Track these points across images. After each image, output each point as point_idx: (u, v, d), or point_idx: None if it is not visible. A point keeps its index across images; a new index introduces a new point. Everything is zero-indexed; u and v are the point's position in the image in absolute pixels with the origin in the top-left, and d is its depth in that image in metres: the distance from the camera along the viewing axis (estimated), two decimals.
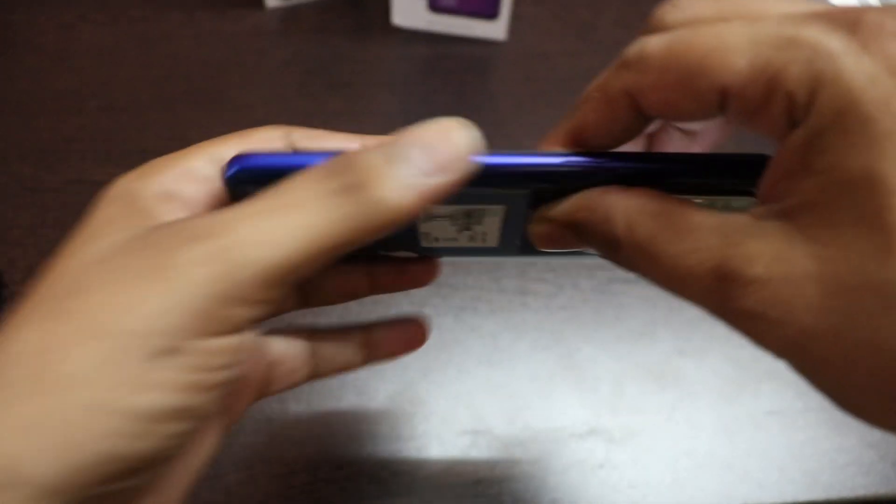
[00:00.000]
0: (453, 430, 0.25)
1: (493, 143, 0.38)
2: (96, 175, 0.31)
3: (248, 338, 0.11)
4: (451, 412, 0.26)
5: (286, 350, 0.17)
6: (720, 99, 0.11)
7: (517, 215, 0.14)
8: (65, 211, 0.30)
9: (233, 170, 0.12)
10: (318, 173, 0.11)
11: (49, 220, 0.30)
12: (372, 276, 0.17)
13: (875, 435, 0.26)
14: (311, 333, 0.18)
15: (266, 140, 0.14)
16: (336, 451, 0.24)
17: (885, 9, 0.10)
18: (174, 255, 0.10)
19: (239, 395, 0.16)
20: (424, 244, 0.16)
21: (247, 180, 0.12)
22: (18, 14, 0.36)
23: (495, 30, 0.36)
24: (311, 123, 0.37)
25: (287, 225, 0.10)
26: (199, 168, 0.13)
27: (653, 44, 0.12)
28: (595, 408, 0.26)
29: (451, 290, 0.29)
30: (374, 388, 0.26)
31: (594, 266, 0.30)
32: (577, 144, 0.14)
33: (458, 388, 0.26)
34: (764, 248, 0.10)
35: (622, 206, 0.12)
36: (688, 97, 0.11)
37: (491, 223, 0.15)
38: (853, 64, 0.10)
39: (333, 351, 0.17)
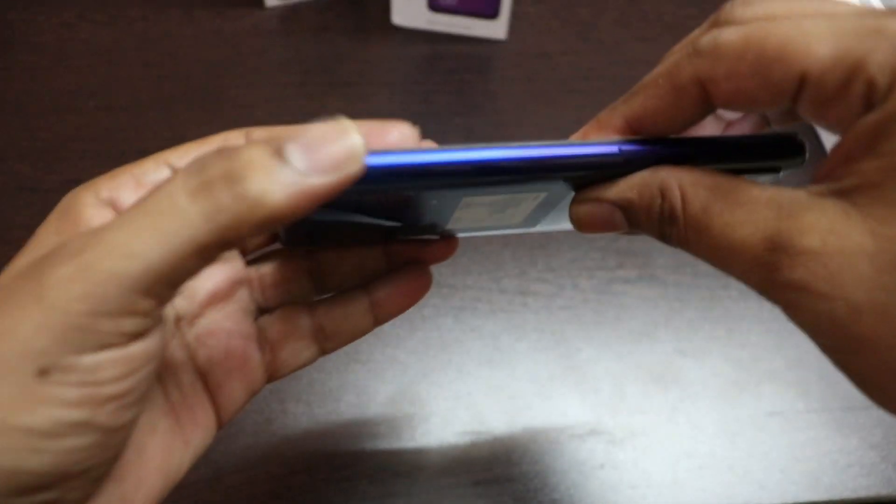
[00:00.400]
0: (453, 431, 0.25)
1: (494, 141, 0.37)
2: (95, 175, 0.31)
3: (137, 347, 0.11)
4: (451, 413, 0.25)
5: (287, 330, 0.16)
6: (797, 87, 0.11)
7: (555, 198, 0.15)
8: None
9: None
10: (183, 172, 0.11)
11: None
12: (389, 256, 0.17)
13: (877, 436, 0.26)
14: (312, 307, 0.17)
15: (223, 142, 0.14)
16: (336, 452, 0.24)
17: None
18: (47, 275, 0.10)
19: (222, 392, 0.16)
20: (450, 227, 0.16)
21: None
22: (17, 13, 0.36)
23: (495, 29, 0.36)
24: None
25: (145, 233, 0.10)
26: (145, 174, 0.13)
27: (728, 33, 0.12)
28: (595, 409, 0.26)
29: (451, 290, 0.28)
30: (374, 389, 0.26)
31: (594, 267, 0.29)
32: (634, 131, 0.14)
33: (458, 389, 0.26)
34: (820, 221, 0.11)
35: (677, 180, 0.13)
36: (764, 85, 0.11)
37: (526, 206, 0.15)
38: None
39: (339, 321, 0.17)
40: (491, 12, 0.35)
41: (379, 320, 0.17)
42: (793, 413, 0.26)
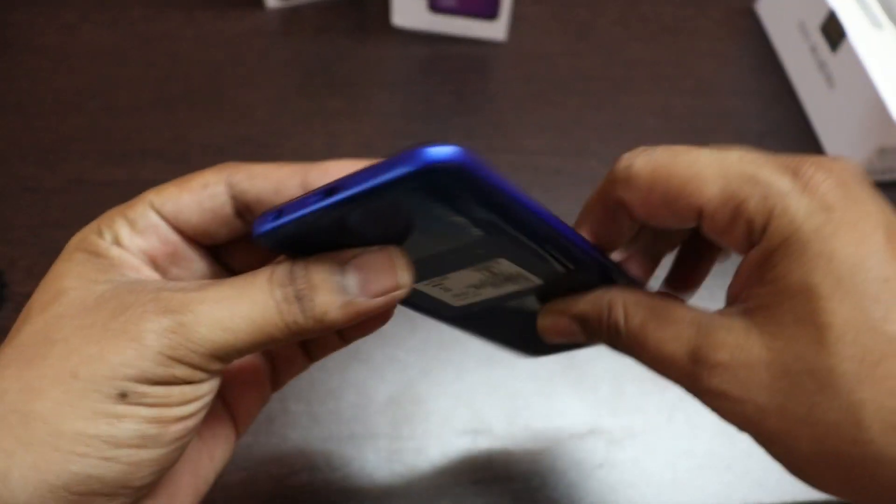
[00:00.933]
0: (453, 430, 0.25)
1: (494, 142, 0.38)
2: (97, 175, 0.31)
3: (204, 387, 0.14)
4: (450, 412, 0.26)
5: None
6: (696, 216, 0.14)
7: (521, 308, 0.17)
8: (66, 211, 0.30)
9: (257, 232, 0.13)
10: (274, 277, 0.14)
11: (50, 220, 0.30)
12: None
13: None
14: None
15: (202, 185, 0.15)
16: (336, 452, 0.24)
17: (817, 159, 0.13)
18: (142, 323, 0.13)
19: (239, 405, 0.17)
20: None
21: (271, 237, 0.13)
22: (18, 14, 0.36)
23: (495, 30, 0.36)
24: (313, 123, 0.37)
25: (236, 315, 0.13)
26: (137, 220, 0.15)
27: (639, 164, 0.15)
28: (595, 408, 0.26)
29: None
30: (374, 388, 0.26)
31: None
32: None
33: (458, 388, 0.26)
34: (728, 339, 0.14)
35: (622, 298, 0.16)
36: (670, 213, 0.14)
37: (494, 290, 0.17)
38: (796, 202, 0.13)
39: (321, 337, 0.18)
40: (490, 13, 0.36)
41: (345, 340, 0.18)
42: None
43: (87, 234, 0.14)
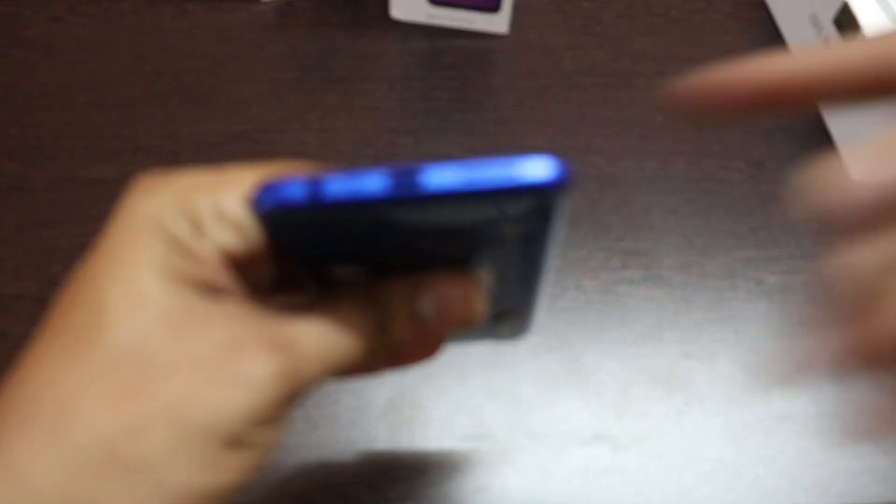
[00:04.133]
0: (454, 436, 0.25)
1: (496, 139, 0.37)
2: (86, 173, 0.30)
3: (289, 422, 0.13)
4: (451, 417, 0.25)
5: None
6: None
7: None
8: (53, 210, 0.29)
9: (269, 205, 0.11)
10: (358, 304, 0.13)
11: (37, 219, 0.29)
12: None
13: (890, 442, 0.25)
14: None
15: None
16: (334, 458, 0.24)
17: None
18: (258, 365, 0.12)
19: None
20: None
21: (277, 214, 0.11)
22: (4, 6, 0.35)
23: (497, 23, 0.35)
24: (309, 119, 0.36)
25: (336, 350, 0.12)
26: (229, 209, 0.12)
27: None
28: (600, 413, 0.25)
29: None
30: (374, 393, 0.25)
31: (598, 267, 0.29)
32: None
33: (459, 393, 0.26)
34: None
35: None
36: None
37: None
38: None
39: None
40: (492, 5, 0.35)
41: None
42: (803, 417, 0.26)
43: (164, 209, 0.12)
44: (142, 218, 0.12)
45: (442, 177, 0.10)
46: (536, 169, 0.09)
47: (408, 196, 0.10)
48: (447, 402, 0.25)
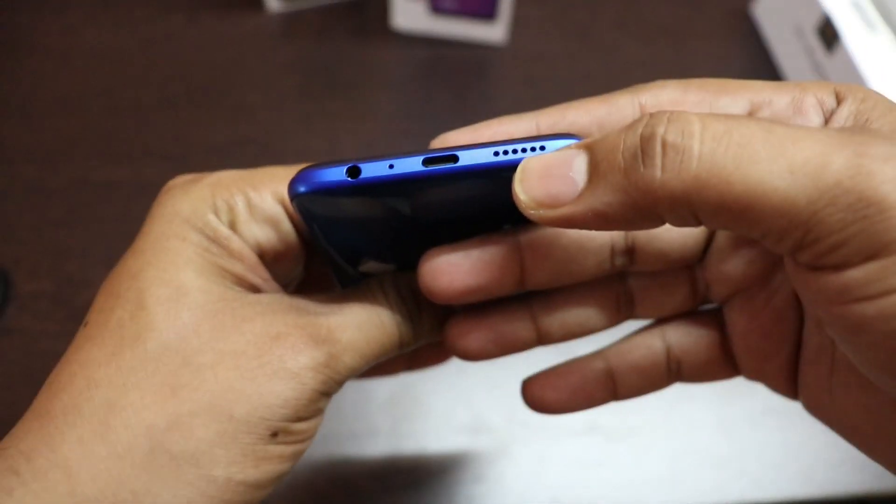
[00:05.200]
0: (452, 428, 0.25)
1: None
2: (99, 175, 0.31)
3: (324, 413, 0.13)
4: (450, 410, 0.26)
5: None
6: None
7: None
8: (68, 210, 0.30)
9: (301, 189, 0.11)
10: (391, 297, 0.13)
11: (53, 220, 0.30)
12: None
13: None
14: None
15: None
16: (336, 449, 0.25)
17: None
18: (299, 358, 0.12)
19: None
20: None
21: (314, 199, 0.11)
22: (23, 16, 0.36)
23: (495, 32, 0.37)
24: (312, 124, 0.37)
25: (371, 342, 0.13)
26: (261, 206, 0.13)
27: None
28: None
29: None
30: (375, 386, 0.26)
31: None
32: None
33: (458, 386, 0.26)
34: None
35: (681, 112, 0.12)
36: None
37: None
38: None
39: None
40: (490, 15, 0.36)
41: (410, 369, 0.18)
42: (788, 410, 0.26)
43: (199, 206, 0.12)
44: (178, 215, 0.12)
45: (474, 157, 0.10)
46: (564, 146, 0.10)
47: (443, 172, 0.10)
48: (446, 395, 0.26)
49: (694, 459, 0.25)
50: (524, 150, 0.10)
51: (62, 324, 0.27)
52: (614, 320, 0.15)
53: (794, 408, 0.26)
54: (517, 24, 0.38)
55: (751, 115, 0.12)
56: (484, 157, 0.10)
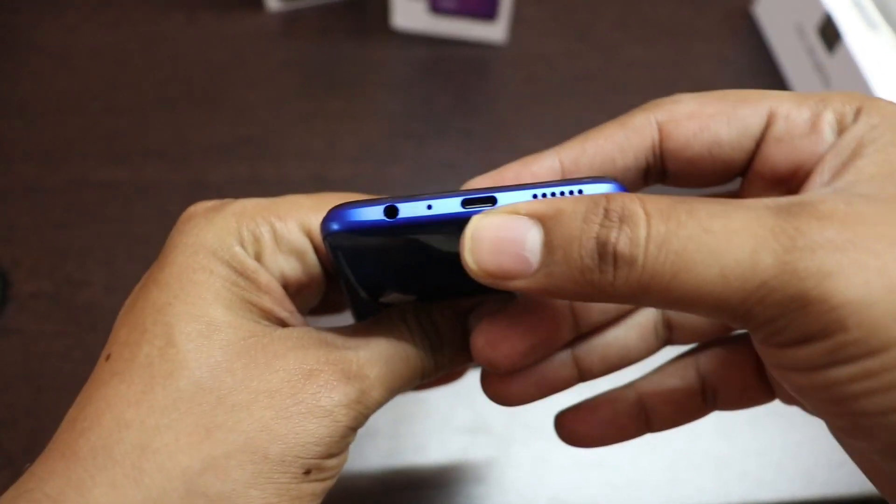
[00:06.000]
0: (453, 429, 0.25)
1: (492, 143, 0.38)
2: (99, 175, 0.31)
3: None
4: (450, 410, 0.26)
5: None
6: (764, 125, 0.12)
7: None
8: (68, 211, 0.30)
9: (336, 227, 0.11)
10: (415, 329, 0.13)
11: (52, 220, 0.30)
12: None
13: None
14: None
15: None
16: None
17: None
18: (332, 395, 0.12)
19: None
20: None
21: (347, 237, 0.11)
22: (22, 16, 0.36)
23: (495, 32, 0.37)
24: (312, 124, 0.37)
25: (398, 376, 0.13)
26: (287, 237, 0.13)
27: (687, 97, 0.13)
28: None
29: None
30: None
31: None
32: (567, 173, 0.15)
33: (458, 387, 0.26)
34: (836, 206, 0.10)
35: (631, 195, 0.13)
36: (729, 122, 0.12)
37: None
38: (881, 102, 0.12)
39: None
40: (490, 15, 0.36)
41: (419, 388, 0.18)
42: (789, 412, 0.26)
43: (225, 237, 0.12)
44: (204, 247, 0.12)
45: (513, 199, 0.10)
46: (603, 190, 0.10)
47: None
48: (446, 396, 0.26)
49: (694, 460, 0.25)
50: (562, 194, 0.11)
51: (61, 324, 0.27)
52: (653, 348, 0.15)
53: (796, 409, 0.26)
54: (517, 23, 0.38)
55: (768, 125, 0.12)
56: (523, 199, 0.10)
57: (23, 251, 0.29)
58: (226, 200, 0.13)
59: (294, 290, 0.13)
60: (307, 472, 0.12)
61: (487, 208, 0.10)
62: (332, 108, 0.34)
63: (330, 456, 0.12)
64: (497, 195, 0.10)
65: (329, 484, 0.12)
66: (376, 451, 0.25)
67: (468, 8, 0.36)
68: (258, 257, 0.13)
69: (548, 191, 0.11)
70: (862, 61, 0.31)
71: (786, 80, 0.37)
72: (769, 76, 0.37)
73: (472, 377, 0.27)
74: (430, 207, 0.10)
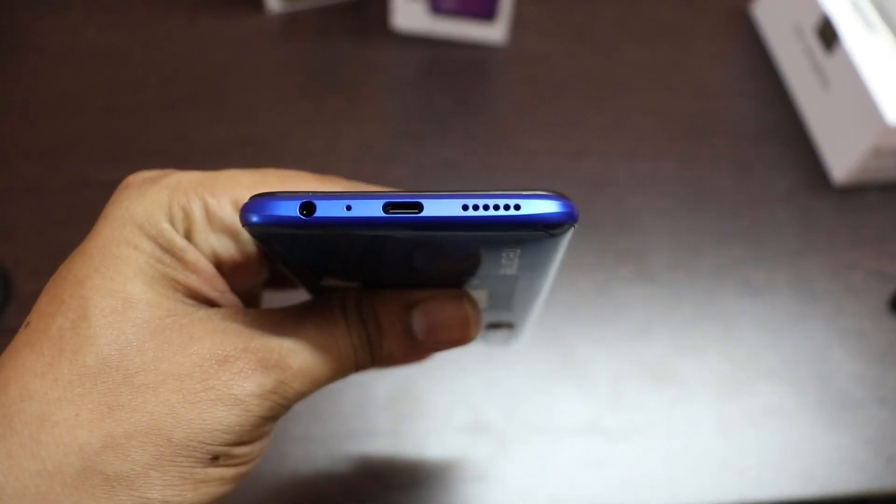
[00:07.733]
0: (452, 428, 0.25)
1: (492, 144, 0.38)
2: (99, 175, 0.31)
3: (270, 435, 0.13)
4: (449, 410, 0.26)
5: None
6: None
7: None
8: (69, 211, 0.30)
9: (253, 219, 0.10)
10: (350, 320, 0.13)
11: (54, 220, 0.30)
12: None
13: (869, 432, 0.26)
14: None
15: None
16: (336, 449, 0.25)
17: None
18: (244, 384, 0.11)
19: None
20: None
21: (266, 229, 0.10)
22: (23, 15, 0.36)
23: (495, 32, 0.37)
24: (313, 124, 0.37)
25: (324, 367, 0.12)
26: (219, 213, 0.12)
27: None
28: (593, 405, 0.26)
29: None
30: (375, 387, 0.26)
31: (592, 265, 0.30)
32: None
33: (457, 386, 0.26)
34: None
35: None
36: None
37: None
38: None
39: None
40: (490, 16, 0.36)
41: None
42: (788, 410, 0.26)
43: (154, 211, 0.12)
44: (132, 220, 0.12)
45: (440, 208, 0.09)
46: (541, 207, 0.09)
47: (403, 225, 0.09)
48: (446, 395, 0.26)
49: (694, 459, 0.25)
50: (496, 207, 0.09)
51: None
52: None
53: (795, 408, 0.27)
54: (517, 24, 0.38)
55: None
56: (451, 209, 0.09)
57: (24, 250, 0.29)
58: (165, 171, 0.13)
59: (228, 269, 0.13)
60: (215, 458, 0.11)
61: (412, 214, 0.09)
62: (332, 109, 0.34)
63: (241, 444, 0.12)
64: (423, 201, 0.09)
65: (244, 469, 0.12)
66: (376, 451, 0.25)
67: (468, 8, 0.36)
68: (188, 234, 0.12)
69: (479, 202, 0.09)
70: (860, 62, 0.31)
71: (784, 81, 0.37)
72: (767, 76, 0.37)
73: (473, 377, 0.27)
74: (349, 209, 0.10)
